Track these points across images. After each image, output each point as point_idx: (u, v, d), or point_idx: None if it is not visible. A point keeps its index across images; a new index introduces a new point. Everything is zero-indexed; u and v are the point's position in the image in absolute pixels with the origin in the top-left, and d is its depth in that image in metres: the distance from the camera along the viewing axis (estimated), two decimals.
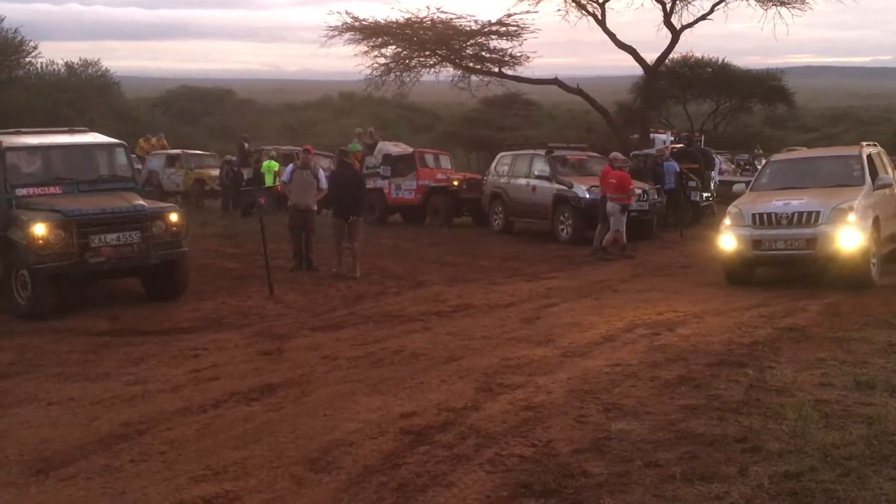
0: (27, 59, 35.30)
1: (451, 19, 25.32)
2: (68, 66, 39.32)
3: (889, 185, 11.71)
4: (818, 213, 10.59)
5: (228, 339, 8.63)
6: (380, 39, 25.57)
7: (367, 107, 48.12)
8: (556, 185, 16.98)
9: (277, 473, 4.87)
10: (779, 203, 10.94)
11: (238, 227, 18.09)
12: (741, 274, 11.39)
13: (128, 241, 10.13)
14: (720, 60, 38.45)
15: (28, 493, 4.77)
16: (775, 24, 25.77)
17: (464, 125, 41.29)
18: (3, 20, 33.78)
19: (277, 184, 21.50)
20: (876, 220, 10.86)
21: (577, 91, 25.87)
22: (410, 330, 8.88)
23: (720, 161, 22.41)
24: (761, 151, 31.69)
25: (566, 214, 16.77)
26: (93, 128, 13.03)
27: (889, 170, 12.49)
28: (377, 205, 20.70)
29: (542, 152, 18.20)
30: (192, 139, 35.60)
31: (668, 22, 25.26)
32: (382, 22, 25.46)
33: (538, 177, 17.60)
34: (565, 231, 16.79)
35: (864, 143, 12.44)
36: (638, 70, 27.87)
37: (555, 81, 26.24)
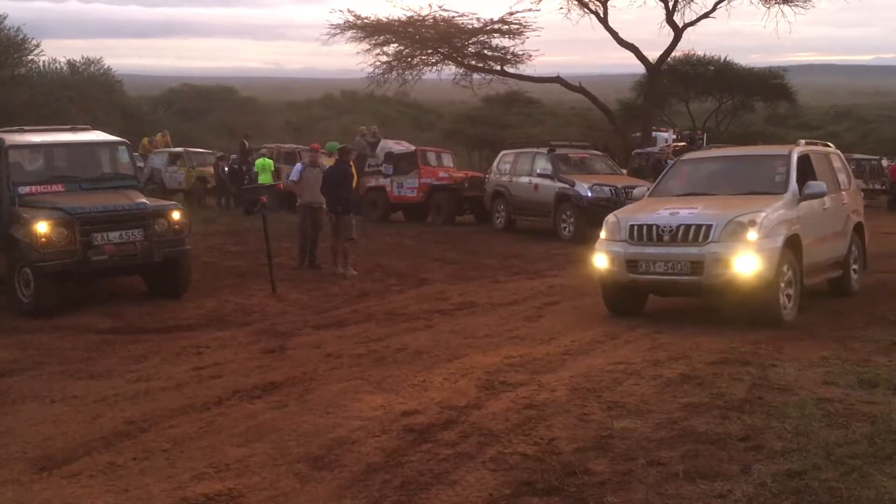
0: (29, 58, 35.35)
1: (454, 17, 25.37)
2: (70, 64, 39.45)
3: (821, 196, 9.11)
4: (709, 227, 8.18)
5: (231, 336, 8.64)
6: (382, 37, 25.60)
7: (370, 105, 48.17)
8: (559, 184, 16.99)
9: (280, 471, 4.87)
10: (664, 213, 8.62)
11: (240, 224, 18.08)
12: (619, 303, 9.07)
13: (130, 238, 10.13)
14: (722, 58, 38.52)
15: (31, 490, 4.77)
16: (778, 22, 25.78)
17: (466, 123, 41.29)
18: (5, 18, 33.84)
19: (280, 182, 21.55)
20: (793, 240, 8.50)
21: (579, 89, 25.89)
22: (413, 328, 8.89)
23: None
24: None
25: (568, 213, 16.78)
26: (95, 126, 13.03)
27: (842, 177, 10.40)
28: (379, 203, 20.71)
29: (545, 150, 18.20)
30: (194, 137, 35.63)
31: (670, 20, 25.27)
32: (385, 20, 25.50)
33: (540, 175, 17.60)
34: (567, 229, 16.79)
35: (804, 142, 10.20)
36: (640, 68, 27.90)
37: (557, 79, 26.27)
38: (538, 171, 17.75)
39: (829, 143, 11.04)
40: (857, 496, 4.13)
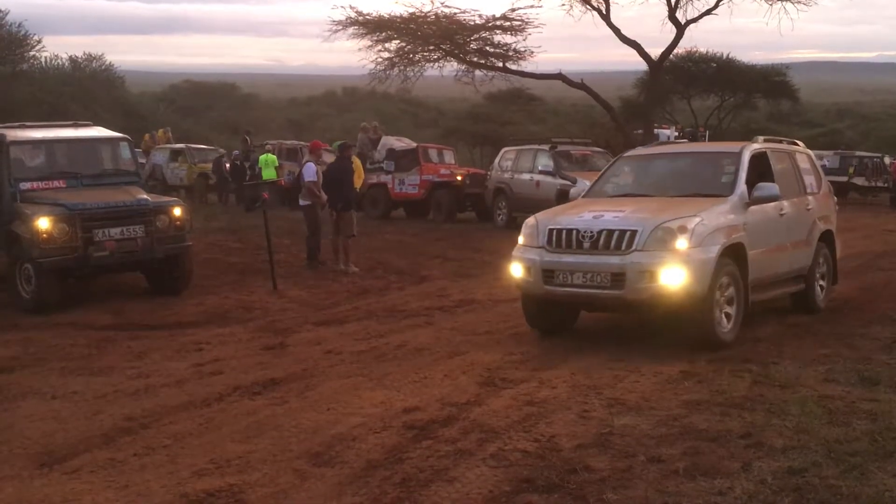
0: (31, 54, 35.39)
1: (455, 14, 25.26)
2: (72, 60, 39.49)
3: (774, 199, 7.96)
4: (634, 233, 7.10)
5: (232, 333, 8.64)
6: (383, 34, 25.51)
7: (371, 101, 48.13)
8: (560, 181, 16.97)
9: (281, 467, 4.87)
10: (587, 216, 7.56)
11: (241, 221, 18.09)
12: (539, 317, 8.02)
13: (131, 235, 10.14)
14: (725, 55, 38.51)
15: (32, 486, 4.77)
16: (780, 19, 25.66)
17: (467, 120, 41.27)
18: (7, 14, 33.85)
19: (281, 178, 21.56)
20: (735, 250, 7.42)
21: (582, 86, 25.82)
22: (413, 325, 8.89)
23: None
24: None
25: None
26: (97, 122, 13.03)
27: (809, 179, 9.26)
28: (381, 200, 20.70)
29: (546, 147, 18.19)
30: (195, 134, 35.65)
31: (672, 17, 25.20)
32: (386, 16, 25.42)
33: (542, 172, 17.60)
34: None
35: (762, 139, 9.01)
36: (642, 65, 27.83)
37: (559, 76, 26.19)
38: (540, 168, 17.75)
39: (798, 142, 10.02)
40: (858, 493, 4.13)
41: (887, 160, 30.20)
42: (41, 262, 9.66)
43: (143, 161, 22.49)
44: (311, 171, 12.77)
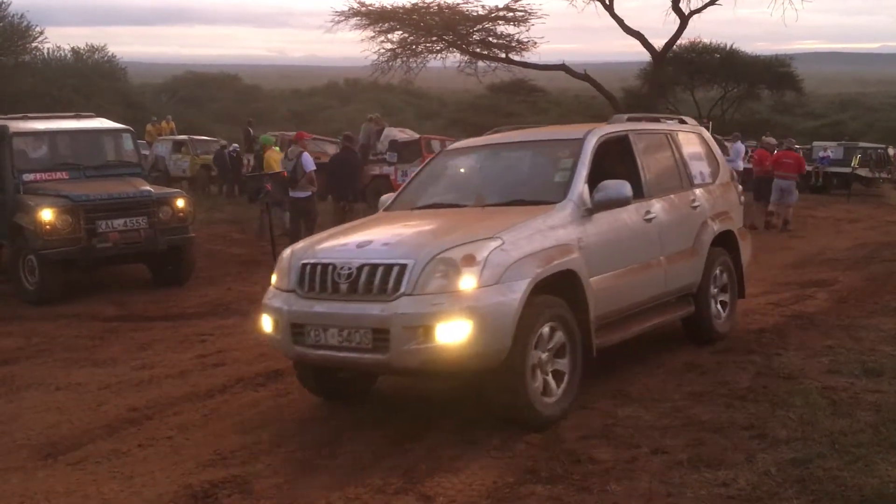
0: (33, 45, 35.37)
1: (458, 4, 25.19)
2: (74, 51, 39.47)
3: (624, 202, 5.85)
4: (403, 267, 4.94)
5: (235, 324, 8.64)
6: (386, 25, 25.44)
7: (374, 93, 48.04)
8: None
9: (284, 458, 4.88)
10: (352, 242, 5.44)
11: (244, 212, 18.08)
12: (313, 381, 5.78)
13: (135, 226, 10.15)
14: (728, 46, 38.42)
15: (36, 477, 4.79)
16: (784, 10, 25.64)
17: (470, 111, 41.25)
18: (9, 5, 33.81)
19: (283, 170, 21.51)
20: (561, 281, 5.29)
21: (584, 77, 25.75)
22: None
23: (744, 148, 22.38)
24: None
25: None
26: (99, 113, 13.03)
27: (698, 167, 7.22)
28: (383, 191, 20.65)
29: None
30: (197, 125, 35.60)
31: (676, 7, 25.09)
32: (389, 7, 25.34)
33: None
34: None
35: (625, 117, 6.99)
36: (645, 56, 27.77)
37: (562, 67, 26.13)
38: None
39: (687, 119, 7.96)
40: (862, 485, 4.12)
41: (891, 151, 30.10)
42: (44, 253, 9.68)
43: (146, 152, 22.49)
44: (310, 161, 12.83)
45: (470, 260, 4.89)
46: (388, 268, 4.95)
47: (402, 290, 4.87)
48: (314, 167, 12.70)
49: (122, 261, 10.79)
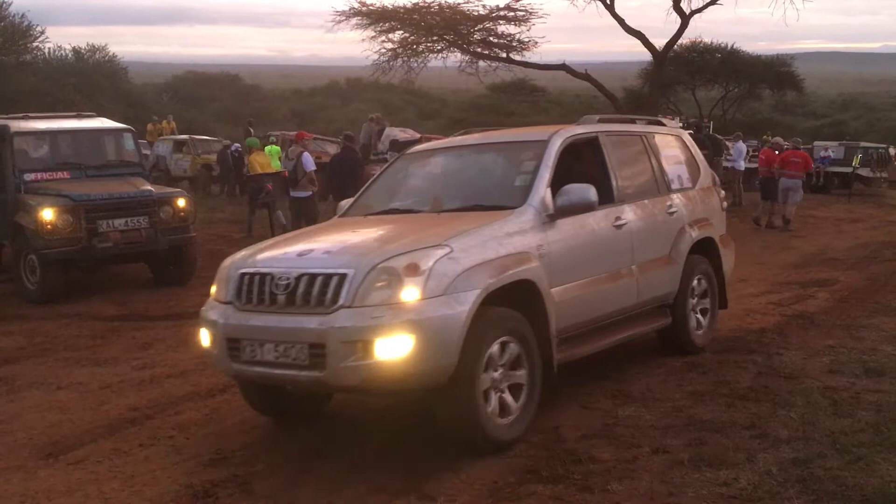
0: (34, 44, 35.29)
1: (459, 4, 25.17)
2: (76, 51, 39.40)
3: (588, 207, 5.52)
4: (343, 277, 4.62)
5: None
6: (387, 24, 25.43)
7: (374, 92, 48.06)
8: None
9: (285, 457, 4.88)
10: (292, 251, 5.16)
11: (245, 212, 18.05)
12: (261, 401, 5.44)
13: (136, 226, 10.16)
14: (729, 46, 38.34)
15: (37, 476, 4.79)
16: (786, 9, 25.80)
17: (471, 111, 41.28)
18: (10, 5, 33.79)
19: (284, 170, 21.51)
20: (516, 292, 4.97)
21: (585, 77, 25.73)
22: None
23: (746, 148, 22.40)
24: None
25: None
26: (100, 113, 13.04)
27: (675, 170, 6.89)
28: None
29: None
30: (198, 125, 35.61)
31: (677, 7, 25.05)
32: (390, 7, 25.32)
33: None
34: None
35: (597, 118, 6.62)
36: (646, 55, 27.70)
37: (563, 67, 26.11)
38: None
39: (664, 120, 7.34)
40: (863, 484, 4.12)
41: (892, 151, 30.09)
42: (45, 252, 9.68)
43: (147, 152, 22.50)
44: (311, 161, 12.85)
45: (413, 269, 4.55)
46: (328, 278, 4.63)
47: (341, 301, 4.54)
48: (314, 167, 12.74)
49: (124, 260, 10.80)
